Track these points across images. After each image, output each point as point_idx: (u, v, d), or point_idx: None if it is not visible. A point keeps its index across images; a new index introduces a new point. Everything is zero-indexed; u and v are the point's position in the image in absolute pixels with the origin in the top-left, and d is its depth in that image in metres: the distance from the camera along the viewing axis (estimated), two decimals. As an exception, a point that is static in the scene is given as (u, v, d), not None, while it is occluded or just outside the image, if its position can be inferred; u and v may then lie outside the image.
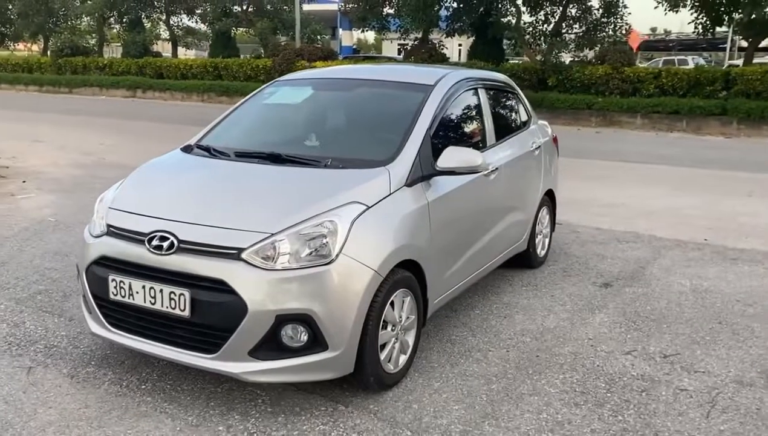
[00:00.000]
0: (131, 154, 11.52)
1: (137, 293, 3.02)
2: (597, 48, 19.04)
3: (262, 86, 4.52)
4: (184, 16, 28.34)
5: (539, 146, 5.19)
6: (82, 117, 18.11)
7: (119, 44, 31.32)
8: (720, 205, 8.07)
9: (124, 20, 28.61)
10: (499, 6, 20.07)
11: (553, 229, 5.78)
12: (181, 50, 30.96)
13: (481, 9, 20.09)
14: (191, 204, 3.23)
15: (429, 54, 19.75)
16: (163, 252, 2.99)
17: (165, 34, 29.49)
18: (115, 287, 3.09)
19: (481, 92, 4.46)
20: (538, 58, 19.33)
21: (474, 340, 3.96)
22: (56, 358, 3.60)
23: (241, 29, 27.41)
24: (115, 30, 32.14)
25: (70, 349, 3.71)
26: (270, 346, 2.90)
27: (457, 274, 3.93)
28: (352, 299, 2.95)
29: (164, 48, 33.95)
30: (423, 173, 3.52)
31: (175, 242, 2.99)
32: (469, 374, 3.51)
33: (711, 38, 37.34)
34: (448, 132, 3.96)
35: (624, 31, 19.26)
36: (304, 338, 2.91)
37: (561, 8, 19.70)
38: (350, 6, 21.94)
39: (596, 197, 8.34)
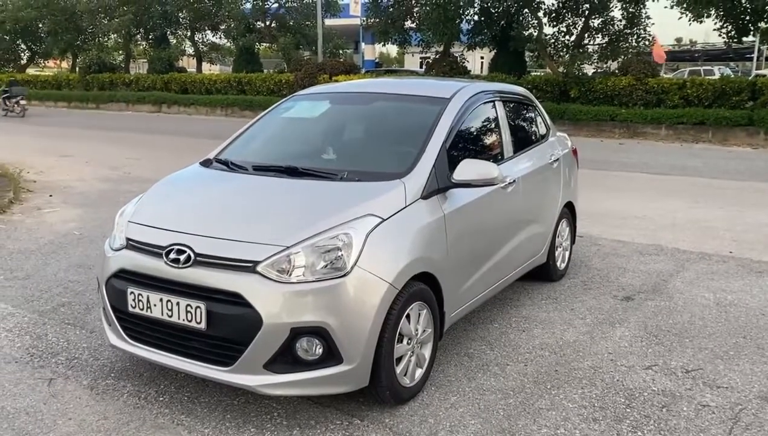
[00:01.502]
0: (156, 168, 11.69)
1: (155, 305, 3.06)
2: (620, 59, 18.92)
3: (281, 100, 4.56)
4: (208, 32, 28.76)
5: (558, 159, 5.16)
6: (109, 132, 18.43)
7: (145, 60, 31.89)
8: (745, 217, 7.94)
9: (150, 37, 29.13)
10: (521, 19, 20.06)
11: (573, 241, 5.72)
12: (205, 66, 31.43)
13: (503, 22, 20.10)
14: (208, 217, 3.26)
15: (450, 67, 19.79)
16: (181, 265, 3.02)
17: (190, 50, 29.91)
18: (134, 300, 3.12)
19: (499, 105, 4.46)
20: (560, 69, 19.24)
21: (492, 354, 3.93)
22: (77, 370, 3.64)
23: (265, 45, 27.69)
24: (141, 46, 32.74)
25: (91, 361, 3.76)
26: (285, 359, 2.91)
27: (475, 287, 3.91)
28: (367, 311, 2.95)
29: (188, 63, 34.49)
30: (439, 186, 3.51)
31: (192, 255, 3.02)
32: (486, 389, 3.48)
33: (737, 48, 37.00)
34: (464, 145, 3.95)
35: (648, 42, 19.10)
36: (319, 351, 2.91)
37: (583, 20, 19.63)
38: (372, 21, 22.07)
39: (618, 209, 8.25)
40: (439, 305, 3.47)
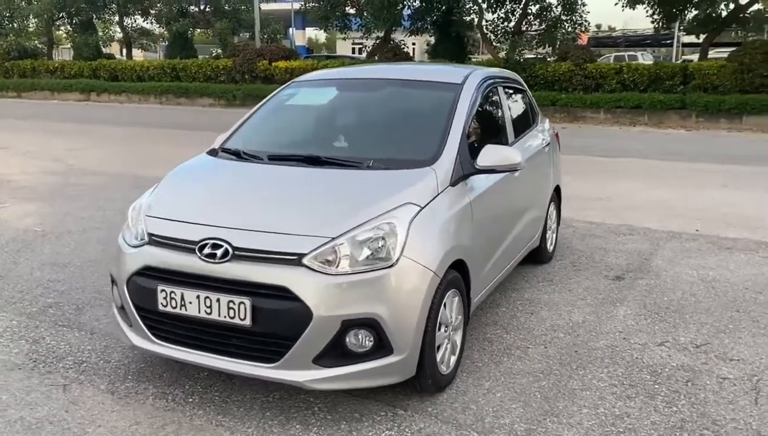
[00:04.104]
0: (101, 159, 11.21)
1: (190, 303, 2.92)
2: (557, 45, 19.37)
3: (280, 87, 4.42)
4: (138, 17, 27.62)
5: (549, 143, 5.24)
6: (38, 122, 17.53)
7: (68, 46, 30.36)
8: (699, 196, 8.30)
9: (75, 22, 27.73)
10: (461, 4, 20.22)
11: (558, 224, 5.84)
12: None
13: (443, 7, 20.20)
14: (241, 210, 3.13)
15: (394, 53, 19.76)
16: (217, 260, 2.90)
17: (119, 36, 28.66)
18: (165, 298, 2.97)
19: (500, 90, 4.48)
20: (501, 55, 19.54)
21: (509, 337, 3.97)
22: (90, 374, 3.45)
23: (199, 30, 26.86)
24: (61, 32, 31.12)
25: (102, 364, 3.57)
26: (334, 352, 2.84)
27: (492, 272, 3.94)
28: (414, 301, 2.92)
29: (114, 50, 33.07)
30: (464, 172, 3.50)
31: (230, 250, 2.89)
32: (516, 372, 3.52)
33: (655, 34, 38.58)
34: (477, 130, 3.95)
35: (584, 28, 19.64)
36: (369, 342, 2.85)
37: (522, 6, 19.97)
38: (311, 5, 21.76)
39: (578, 192, 8.44)
40: (466, 291, 3.47)
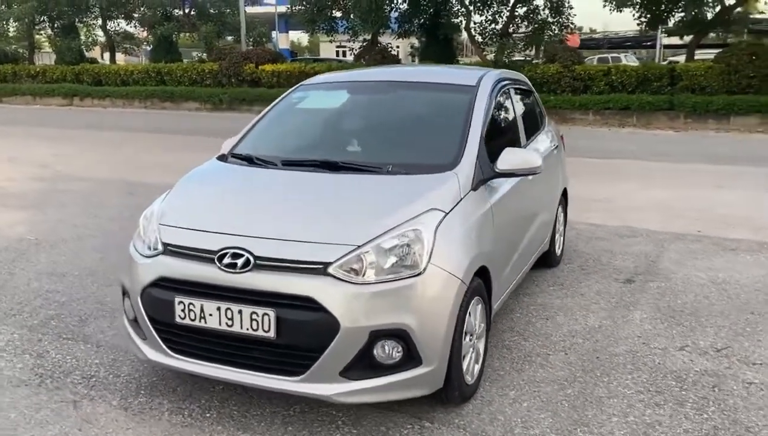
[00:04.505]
0: (90, 164, 11.00)
1: (210, 315, 2.80)
2: (542, 48, 19.40)
3: (288, 91, 4.31)
4: (121, 20, 27.27)
5: (557, 145, 5.18)
6: (21, 127, 17.18)
7: (49, 51, 29.91)
8: (696, 197, 8.29)
9: (56, 26, 27.31)
10: (448, 7, 20.20)
11: (565, 227, 5.78)
12: (108, 57, 29.72)
13: (431, 10, 20.17)
14: (261, 218, 3.02)
15: (382, 56, 19.69)
16: (238, 270, 2.79)
17: (102, 40, 28.28)
18: (183, 310, 2.85)
19: (512, 92, 4.41)
20: (489, 58, 19.54)
21: (528, 344, 3.90)
22: (100, 389, 3.32)
23: (185, 34, 26.59)
24: (41, 36, 30.65)
25: (111, 378, 3.44)
26: (362, 364, 2.74)
27: (509, 277, 3.87)
28: (443, 310, 2.83)
29: (95, 54, 32.56)
30: (484, 176, 3.42)
31: (251, 259, 2.79)
32: (540, 380, 3.44)
33: (636, 36, 38.94)
34: (493, 133, 3.87)
35: (570, 30, 19.71)
36: (398, 354, 2.76)
37: (509, 9, 19.99)
38: (297, 8, 21.63)
39: (577, 193, 8.34)
40: (488, 297, 3.39)
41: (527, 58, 19.88)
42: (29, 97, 25.22)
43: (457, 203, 3.12)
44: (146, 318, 3.01)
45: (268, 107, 4.20)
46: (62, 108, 23.97)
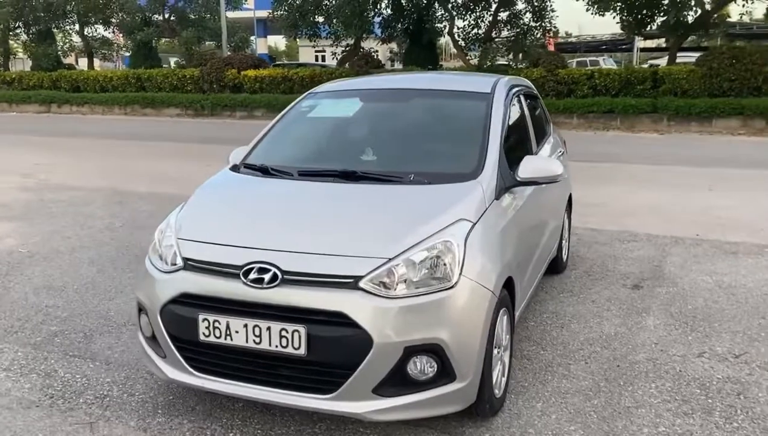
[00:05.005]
0: (74, 173, 10.78)
1: (237, 332, 2.71)
2: (524, 51, 19.50)
3: (297, 99, 4.23)
4: (99, 26, 26.88)
5: (563, 151, 5.16)
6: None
7: (24, 57, 29.40)
8: (689, 200, 8.34)
9: (32, 31, 26.86)
10: (431, 12, 20.22)
11: (570, 232, 5.77)
12: (84, 63, 29.23)
13: (414, 15, 20.17)
14: (285, 231, 2.94)
15: (366, 61, 19.63)
16: (265, 285, 2.70)
17: (80, 46, 27.85)
18: (207, 328, 2.76)
19: (522, 98, 4.38)
20: (472, 62, 19.59)
21: (547, 354, 3.85)
22: (115, 409, 3.20)
23: (165, 39, 26.29)
24: (13, 42, 30.09)
25: (126, 397, 3.32)
26: (395, 381, 2.67)
27: (527, 286, 3.82)
28: (476, 323, 2.77)
29: (71, 60, 32.04)
30: (505, 185, 3.38)
31: (279, 274, 2.70)
32: (564, 391, 3.39)
33: (612, 40, 39.40)
34: (509, 140, 3.82)
35: (552, 34, 19.84)
36: (432, 369, 2.69)
37: (491, 13, 20.07)
38: (280, 13, 21.51)
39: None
40: (512, 308, 3.34)
41: (510, 63, 19.95)
42: (5, 105, 24.78)
43: (483, 213, 3.07)
44: (166, 336, 2.91)
45: (278, 116, 4.12)
46: (40, 115, 23.57)
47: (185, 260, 2.93)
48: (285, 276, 2.70)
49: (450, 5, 20.21)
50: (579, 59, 37.08)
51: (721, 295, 4.85)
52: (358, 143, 3.83)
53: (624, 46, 41.03)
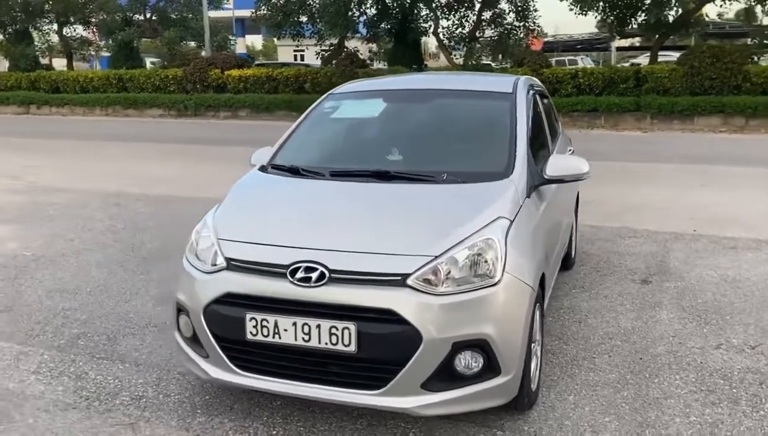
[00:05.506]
0: (64, 175, 10.66)
1: (285, 330, 2.75)
2: (507, 51, 19.68)
3: (318, 100, 4.26)
4: (78, 26, 26.51)
5: (572, 149, 5.26)
6: (-20, 137, 16.57)
7: (1, 57, 28.87)
8: (682, 197, 8.50)
9: (9, 31, 26.42)
10: (416, 12, 20.30)
11: (576, 229, 5.87)
12: (57, 63, 28.75)
13: (399, 15, 20.24)
14: (329, 230, 2.98)
15: (351, 60, 19.65)
16: (312, 284, 2.74)
17: (58, 46, 27.44)
18: (255, 327, 2.79)
19: (538, 98, 4.46)
20: (458, 62, 19.71)
21: (570, 348, 3.93)
22: (153, 410, 3.22)
23: (146, 39, 26.02)
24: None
25: (162, 398, 3.33)
26: (443, 376, 2.72)
27: (549, 281, 3.89)
28: (519, 318, 2.84)
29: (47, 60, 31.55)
30: (534, 183, 3.45)
31: (326, 272, 2.74)
32: (593, 384, 3.48)
33: (589, 39, 39.82)
34: (532, 139, 3.89)
35: (536, 34, 20.03)
36: (477, 364, 2.75)
37: (475, 13, 20.21)
38: (263, 13, 21.42)
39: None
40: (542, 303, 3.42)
41: (495, 63, 20.11)
42: (-19, 106, 24.34)
43: (519, 210, 3.13)
44: (210, 336, 2.93)
45: (301, 117, 4.14)
46: (19, 116, 23.20)
47: (228, 260, 2.95)
48: (332, 275, 2.74)
49: (434, 5, 20.30)
50: (557, 58, 37.49)
51: (728, 288, 4.98)
52: (387, 143, 3.86)
53: (599, 46, 41.50)
